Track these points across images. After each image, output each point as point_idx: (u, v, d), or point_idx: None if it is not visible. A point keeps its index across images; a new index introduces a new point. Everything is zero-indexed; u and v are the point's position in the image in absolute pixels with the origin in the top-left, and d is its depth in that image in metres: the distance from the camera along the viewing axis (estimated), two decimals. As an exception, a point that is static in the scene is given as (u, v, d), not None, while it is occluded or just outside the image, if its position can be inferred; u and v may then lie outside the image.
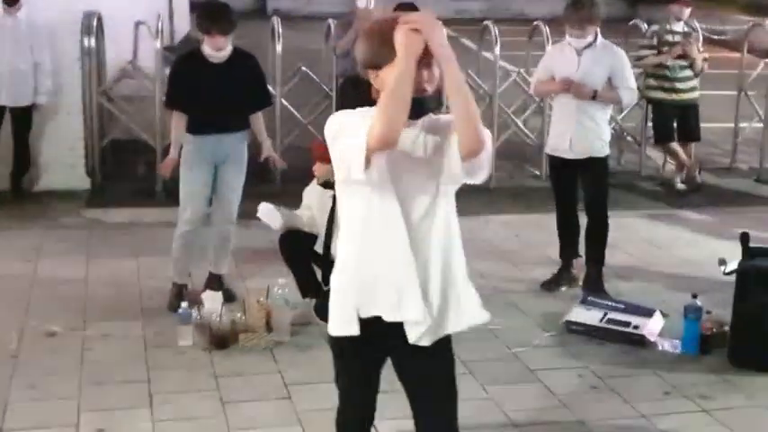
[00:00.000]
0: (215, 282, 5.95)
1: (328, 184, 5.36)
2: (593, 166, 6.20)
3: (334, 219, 5.45)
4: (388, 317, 3.03)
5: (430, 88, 2.96)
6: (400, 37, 2.86)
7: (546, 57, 6.53)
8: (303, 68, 9.10)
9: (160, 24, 8.78)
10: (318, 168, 5.62)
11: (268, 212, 5.74)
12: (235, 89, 5.69)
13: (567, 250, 6.41)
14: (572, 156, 6.19)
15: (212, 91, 5.62)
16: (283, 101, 8.84)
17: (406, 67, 2.85)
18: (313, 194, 5.79)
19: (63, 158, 8.32)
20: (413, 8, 6.99)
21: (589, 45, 6.10)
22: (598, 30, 6.16)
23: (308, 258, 5.72)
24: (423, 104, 2.96)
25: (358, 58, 3.03)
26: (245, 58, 5.78)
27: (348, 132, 2.96)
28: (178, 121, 5.77)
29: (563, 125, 6.23)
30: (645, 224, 7.97)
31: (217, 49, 5.58)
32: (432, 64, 2.93)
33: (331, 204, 5.46)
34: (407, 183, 3.02)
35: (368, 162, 2.90)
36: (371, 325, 3.05)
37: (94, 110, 8.42)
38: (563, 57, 6.21)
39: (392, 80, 2.87)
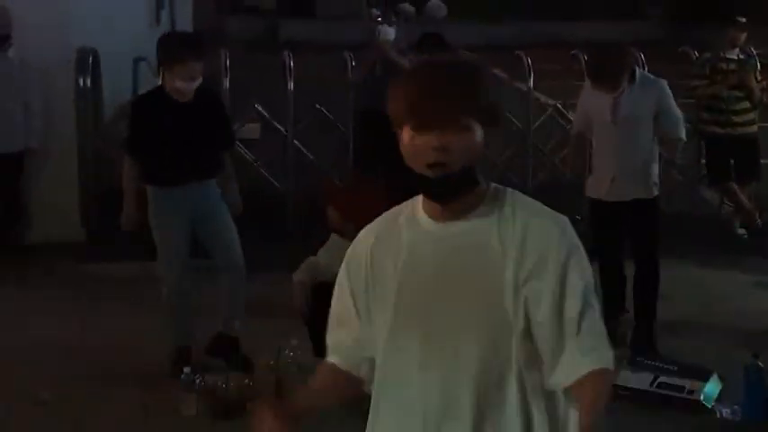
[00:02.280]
0: (227, 344, 5.91)
1: (342, 232, 5.38)
2: (642, 209, 6.18)
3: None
4: None
5: (449, 160, 2.32)
6: None
7: (582, 96, 6.51)
8: (317, 106, 9.17)
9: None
10: (331, 214, 5.59)
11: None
12: (203, 131, 5.71)
13: (613, 306, 6.37)
14: (615, 198, 6.18)
15: (179, 134, 5.61)
16: (296, 142, 8.90)
17: None
18: (326, 254, 5.75)
19: (56, 207, 8.36)
20: (439, 39, 7.07)
21: (628, 83, 6.10)
22: (635, 66, 6.20)
23: (325, 313, 5.71)
24: (443, 189, 2.35)
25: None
26: (209, 96, 5.80)
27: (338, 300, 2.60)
28: (130, 170, 5.76)
29: (605, 164, 6.23)
30: (700, 273, 7.93)
31: (190, 79, 5.51)
32: (447, 125, 2.31)
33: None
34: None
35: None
36: None
37: (90, 154, 8.50)
38: (598, 99, 6.18)
39: None
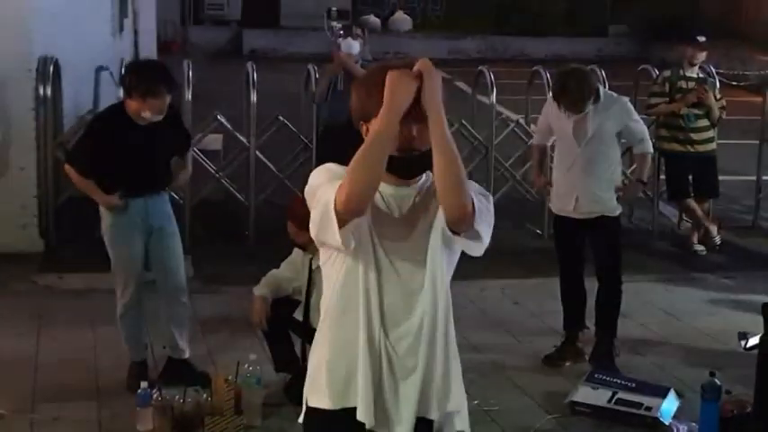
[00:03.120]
0: (179, 368, 5.83)
1: (302, 246, 5.38)
2: (604, 227, 6.20)
3: (312, 282, 5.45)
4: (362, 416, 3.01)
5: (421, 146, 2.92)
6: (389, 83, 2.83)
7: (546, 106, 6.54)
8: (281, 118, 9.13)
9: (123, 70, 8.77)
10: (290, 228, 5.54)
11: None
12: (164, 150, 5.68)
13: (573, 321, 6.39)
14: (579, 216, 6.20)
15: (140, 155, 5.54)
16: (258, 153, 8.86)
17: (386, 123, 2.82)
18: (288, 267, 5.73)
19: (14, 218, 8.26)
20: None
21: (593, 103, 6.12)
22: (599, 85, 6.24)
23: (285, 327, 5.70)
24: (411, 164, 2.95)
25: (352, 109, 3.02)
26: (168, 113, 5.63)
27: (326, 190, 2.91)
28: (91, 183, 5.65)
29: (568, 181, 6.24)
30: (659, 290, 7.97)
31: (159, 112, 5.46)
32: (424, 117, 2.87)
33: (308, 267, 5.47)
34: (395, 252, 3.00)
35: (343, 225, 2.86)
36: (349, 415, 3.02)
37: (50, 164, 8.39)
38: (561, 116, 6.22)
39: (368, 136, 2.86)
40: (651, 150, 6.51)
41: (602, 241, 6.27)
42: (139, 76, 5.48)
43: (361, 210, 2.86)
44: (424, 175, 3.04)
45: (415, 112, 2.86)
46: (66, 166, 5.79)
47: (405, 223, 3.01)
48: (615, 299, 6.28)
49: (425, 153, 2.91)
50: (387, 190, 3.00)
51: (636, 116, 6.35)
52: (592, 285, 6.35)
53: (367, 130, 2.91)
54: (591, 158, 6.14)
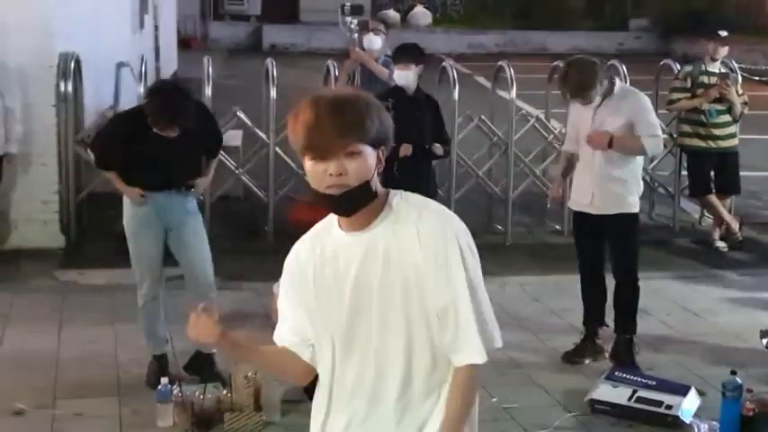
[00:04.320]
0: (204, 363, 5.86)
1: None
2: (621, 224, 6.18)
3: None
4: None
5: (345, 182, 2.63)
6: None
7: (571, 111, 6.55)
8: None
9: (144, 66, 8.82)
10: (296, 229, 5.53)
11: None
12: (190, 155, 5.68)
13: (593, 318, 6.38)
14: (595, 211, 6.18)
15: (162, 159, 5.53)
16: (278, 149, 8.87)
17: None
18: None
19: (35, 214, 8.31)
20: (416, 49, 7.05)
21: (606, 96, 6.11)
22: (616, 79, 6.21)
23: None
24: (345, 205, 2.68)
25: None
26: (198, 117, 5.56)
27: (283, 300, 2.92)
28: (115, 174, 5.70)
29: (585, 178, 6.23)
30: (680, 287, 7.93)
31: (169, 134, 5.44)
32: (337, 154, 2.61)
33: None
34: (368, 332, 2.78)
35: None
36: None
37: (71, 160, 8.44)
38: (582, 111, 6.22)
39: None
40: (648, 152, 6.23)
41: (618, 240, 6.24)
42: (154, 108, 5.39)
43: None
44: (381, 225, 2.72)
45: (318, 149, 2.62)
46: (89, 152, 5.82)
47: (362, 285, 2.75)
48: (632, 298, 6.24)
49: (357, 189, 2.65)
50: (341, 240, 2.77)
51: (650, 113, 6.17)
52: (612, 282, 6.33)
53: None
54: (607, 154, 6.11)
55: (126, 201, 5.75)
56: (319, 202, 2.68)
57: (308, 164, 2.65)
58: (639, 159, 6.32)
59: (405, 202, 2.75)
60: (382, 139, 2.69)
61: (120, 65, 9.63)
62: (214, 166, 6.12)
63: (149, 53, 14.00)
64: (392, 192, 2.77)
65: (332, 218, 2.79)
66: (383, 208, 2.73)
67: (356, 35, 8.47)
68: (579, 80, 6.00)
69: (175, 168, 5.64)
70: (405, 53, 6.98)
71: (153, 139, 5.48)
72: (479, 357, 2.70)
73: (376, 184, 2.70)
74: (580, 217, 6.35)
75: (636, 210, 6.24)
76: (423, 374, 2.74)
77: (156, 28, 15.86)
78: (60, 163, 8.39)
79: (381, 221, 2.72)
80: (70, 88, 8.32)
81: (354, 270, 2.72)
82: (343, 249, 2.74)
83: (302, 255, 2.83)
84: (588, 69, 6.04)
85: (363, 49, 8.31)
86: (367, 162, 2.65)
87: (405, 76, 6.86)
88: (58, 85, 8.24)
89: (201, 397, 5.30)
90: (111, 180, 5.78)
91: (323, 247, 2.79)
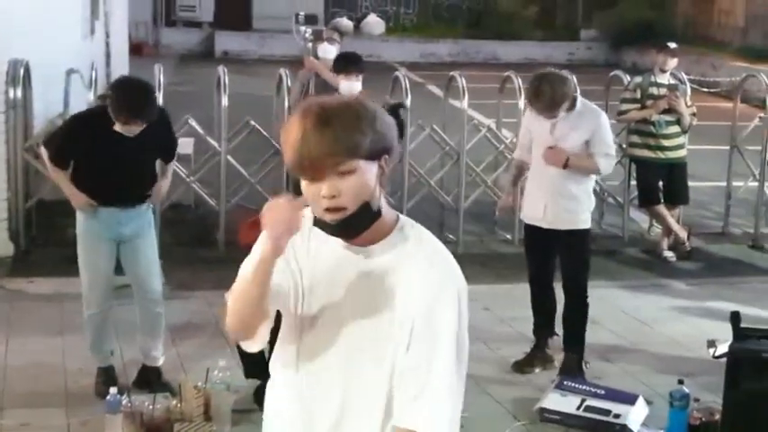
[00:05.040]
0: (151, 376, 5.83)
1: None
2: (573, 240, 6.18)
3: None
4: None
5: (342, 203, 2.40)
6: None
7: (525, 119, 6.52)
8: (252, 122, 9.11)
9: (95, 73, 8.77)
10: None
11: None
12: (146, 158, 5.66)
13: (542, 328, 6.41)
14: (547, 225, 6.20)
15: (118, 163, 5.47)
16: (230, 158, 8.84)
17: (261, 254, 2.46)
18: None
19: (-17, 221, 8.23)
20: (355, 59, 7.07)
21: (567, 110, 6.08)
22: (578, 93, 6.19)
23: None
24: (344, 230, 2.45)
25: None
26: (157, 119, 5.55)
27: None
28: (66, 176, 5.62)
29: (539, 192, 6.22)
30: (628, 296, 8.01)
31: (131, 133, 5.40)
32: (330, 175, 2.38)
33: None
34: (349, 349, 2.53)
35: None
36: None
37: (20, 167, 8.36)
38: (539, 121, 6.16)
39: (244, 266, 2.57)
40: (601, 171, 6.20)
41: (568, 254, 6.23)
42: (118, 101, 5.36)
43: (246, 338, 2.63)
44: (385, 249, 2.49)
45: (307, 170, 2.40)
46: (41, 150, 5.73)
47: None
48: (581, 313, 6.23)
49: (357, 212, 2.42)
50: (336, 250, 2.53)
51: (608, 132, 6.17)
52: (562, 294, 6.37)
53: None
54: (561, 170, 6.14)
55: (79, 211, 5.67)
56: (318, 226, 2.46)
57: (303, 185, 2.43)
58: (593, 176, 6.34)
59: (419, 234, 2.52)
60: (381, 149, 2.43)
61: (70, 71, 9.54)
62: (171, 173, 6.08)
63: (100, 59, 13.89)
64: (403, 217, 2.55)
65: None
66: (390, 231, 2.50)
67: (310, 44, 8.47)
68: (553, 96, 5.91)
69: (129, 176, 5.56)
70: (349, 63, 6.96)
71: (109, 140, 5.41)
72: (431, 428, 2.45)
73: (379, 201, 2.46)
74: (531, 229, 6.36)
75: (587, 226, 6.23)
76: (363, 417, 2.50)
77: (108, 34, 15.73)
78: (9, 170, 8.31)
79: (388, 246, 2.49)
80: (19, 95, 8.25)
81: (340, 284, 2.50)
82: (338, 261, 2.51)
83: (297, 241, 2.51)
84: (562, 85, 5.95)
85: (317, 58, 8.32)
86: (363, 179, 2.40)
87: (351, 87, 6.85)
88: (7, 92, 8.18)
89: (151, 407, 5.25)
90: (60, 183, 5.68)
91: (317, 247, 2.54)
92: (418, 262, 2.47)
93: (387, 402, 2.49)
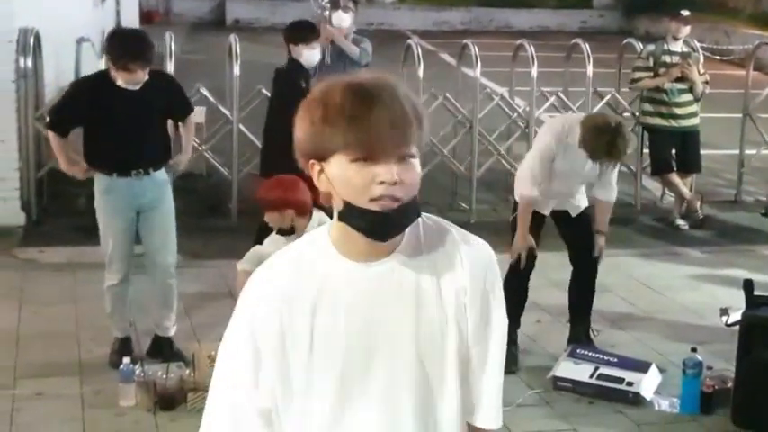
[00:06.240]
0: (164, 346, 5.84)
1: (283, 231, 5.27)
2: (580, 215, 6.09)
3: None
4: None
5: (402, 193, 2.04)
6: None
7: (554, 147, 5.81)
8: (264, 91, 9.06)
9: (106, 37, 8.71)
10: (269, 217, 5.46)
11: None
12: (152, 118, 5.62)
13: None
14: (548, 212, 6.10)
15: (124, 121, 5.47)
16: (241, 126, 8.81)
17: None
18: (272, 245, 5.67)
19: (-5, 190, 8.22)
20: (314, 25, 7.04)
21: None
22: None
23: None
24: (388, 221, 2.05)
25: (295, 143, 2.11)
26: (160, 79, 5.65)
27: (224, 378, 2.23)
28: (65, 144, 5.65)
29: (551, 201, 6.04)
30: (641, 265, 7.98)
31: (135, 84, 5.40)
32: (400, 156, 2.03)
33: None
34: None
35: None
36: None
37: (31, 137, 8.34)
38: (576, 155, 5.71)
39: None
40: (614, 199, 6.18)
41: (577, 225, 6.08)
42: (116, 47, 5.42)
43: None
44: (406, 252, 2.13)
45: (372, 148, 2.01)
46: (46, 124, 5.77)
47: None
48: (589, 289, 6.12)
49: (407, 205, 2.06)
50: (347, 271, 2.12)
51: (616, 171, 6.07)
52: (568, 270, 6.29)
53: (320, 171, 2.08)
54: (572, 187, 6.01)
55: (97, 178, 5.65)
56: (354, 218, 2.04)
57: (346, 167, 2.02)
58: None
59: (433, 223, 2.18)
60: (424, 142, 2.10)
61: (80, 40, 9.52)
62: (191, 139, 6.05)
63: (111, 28, 13.85)
64: (425, 214, 2.20)
65: (315, 241, 2.16)
66: (409, 233, 2.14)
67: (327, 12, 8.38)
68: (626, 149, 5.67)
69: (138, 137, 5.51)
70: (310, 31, 6.97)
71: (113, 99, 5.41)
72: (495, 423, 2.26)
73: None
74: (538, 214, 6.09)
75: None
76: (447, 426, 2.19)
77: (118, 2, 15.71)
78: (20, 139, 8.29)
79: (406, 248, 2.12)
80: (30, 64, 8.22)
81: (368, 308, 2.10)
82: (352, 283, 2.10)
83: (286, 287, 2.11)
84: (625, 143, 5.63)
85: (332, 26, 8.24)
86: (419, 168, 2.07)
87: (315, 55, 6.90)
88: (17, 61, 8.14)
89: (164, 377, 5.27)
90: (56, 151, 5.69)
91: (317, 279, 2.11)
92: (446, 244, 2.16)
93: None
